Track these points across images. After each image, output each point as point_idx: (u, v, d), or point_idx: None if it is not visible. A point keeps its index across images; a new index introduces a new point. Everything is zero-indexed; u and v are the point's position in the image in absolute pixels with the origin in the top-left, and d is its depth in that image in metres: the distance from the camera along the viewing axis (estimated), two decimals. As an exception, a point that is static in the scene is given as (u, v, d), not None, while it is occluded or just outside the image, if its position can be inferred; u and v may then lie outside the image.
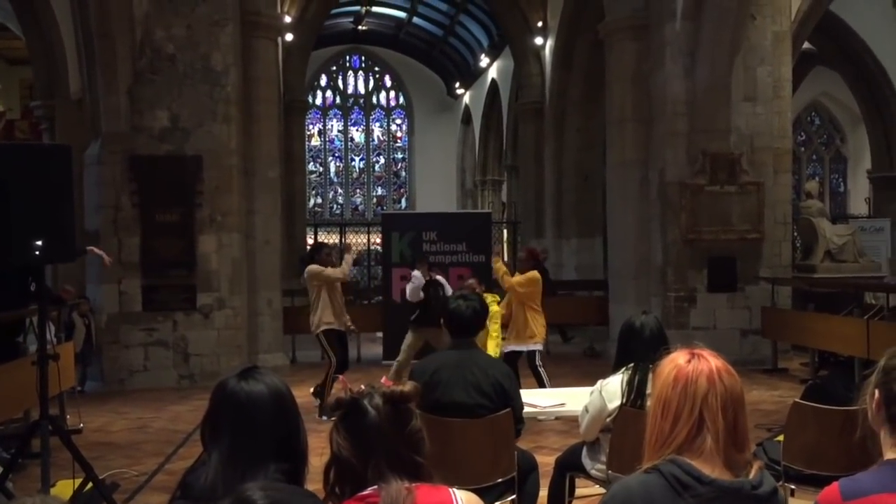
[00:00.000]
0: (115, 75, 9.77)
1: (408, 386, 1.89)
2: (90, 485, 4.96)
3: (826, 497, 1.83)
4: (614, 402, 3.78)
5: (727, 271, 10.81)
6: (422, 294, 8.90)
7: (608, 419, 3.82)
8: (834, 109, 23.11)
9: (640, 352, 3.77)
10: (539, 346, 8.03)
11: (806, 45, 14.46)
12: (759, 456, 4.64)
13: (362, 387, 1.89)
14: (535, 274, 8.05)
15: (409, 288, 9.17)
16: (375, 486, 1.77)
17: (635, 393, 3.74)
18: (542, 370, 7.91)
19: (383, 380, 1.85)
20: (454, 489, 1.86)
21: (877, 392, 1.87)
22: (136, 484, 5.89)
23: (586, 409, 3.92)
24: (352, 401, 1.84)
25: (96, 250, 6.73)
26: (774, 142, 11.05)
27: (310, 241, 17.08)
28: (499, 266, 8.25)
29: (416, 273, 9.17)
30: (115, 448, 7.03)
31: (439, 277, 9.19)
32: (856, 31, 16.60)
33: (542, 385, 7.68)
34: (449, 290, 8.71)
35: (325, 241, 16.27)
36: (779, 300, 10.78)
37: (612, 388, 3.82)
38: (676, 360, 1.87)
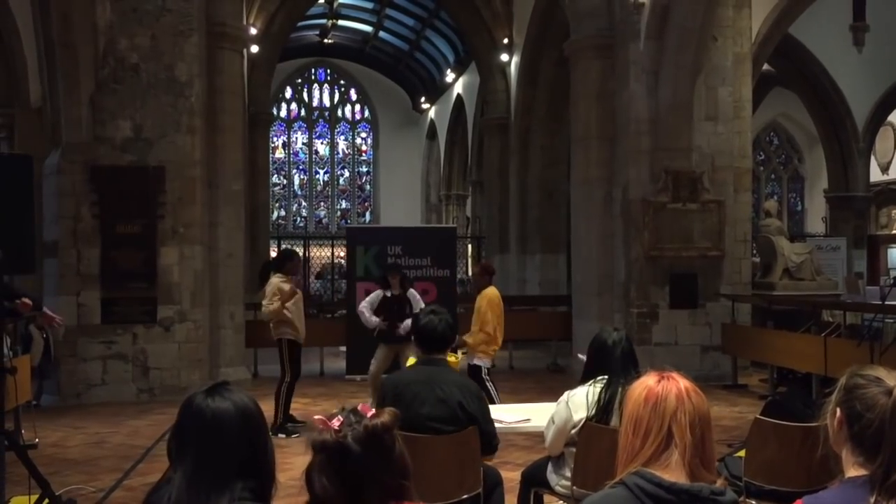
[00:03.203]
0: (76, 84, 9.64)
1: (386, 415, 1.87)
2: (46, 501, 4.86)
3: None
4: (580, 413, 3.81)
5: (688, 288, 10.94)
6: (374, 320, 8.41)
7: (573, 431, 3.83)
8: (792, 130, 23.58)
9: (611, 369, 3.81)
10: (484, 362, 7.92)
11: (765, 66, 14.76)
12: (720, 471, 4.69)
13: (340, 418, 1.84)
14: (491, 291, 7.94)
15: (367, 314, 8.48)
16: None
17: (603, 408, 3.75)
18: (489, 384, 7.85)
19: (360, 406, 1.84)
20: None
21: (838, 410, 1.90)
22: (94, 500, 5.78)
23: (552, 421, 3.94)
24: (336, 444, 1.80)
25: (49, 313, 6.48)
26: (735, 161, 11.23)
27: (273, 254, 16.93)
28: (466, 341, 7.73)
29: (366, 305, 8.55)
30: (72, 464, 6.89)
31: (412, 292, 8.70)
32: (814, 53, 17.00)
33: (490, 400, 7.62)
34: (419, 306, 8.19)
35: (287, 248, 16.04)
36: (739, 317, 10.93)
37: (579, 400, 3.84)
38: (647, 382, 1.94)
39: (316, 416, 1.91)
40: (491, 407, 4.67)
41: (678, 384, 1.91)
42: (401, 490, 1.83)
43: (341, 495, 1.77)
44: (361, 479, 1.78)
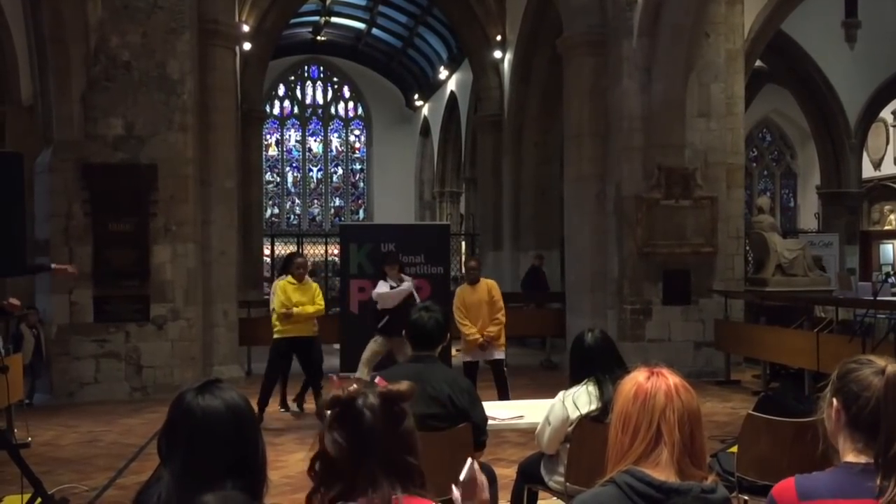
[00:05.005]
0: (68, 82, 9.60)
1: (404, 385, 1.88)
2: (39, 500, 4.85)
3: (781, 492, 1.89)
4: (577, 413, 3.81)
5: (681, 284, 10.96)
6: (405, 285, 8.45)
7: (570, 428, 3.84)
8: (784, 126, 23.61)
9: (594, 370, 3.83)
10: (503, 354, 8.07)
11: (758, 63, 14.77)
12: (713, 467, 4.70)
13: (354, 386, 1.86)
14: (492, 283, 8.16)
15: (393, 293, 8.38)
16: (364, 498, 1.76)
17: (605, 405, 3.74)
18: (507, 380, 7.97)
19: (378, 380, 1.87)
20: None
21: (835, 400, 1.91)
22: (87, 499, 5.76)
23: (548, 421, 3.93)
24: (348, 399, 1.82)
25: (60, 266, 6.55)
26: (727, 157, 11.25)
27: (266, 251, 16.94)
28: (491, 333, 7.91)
29: (407, 284, 8.56)
30: (65, 462, 6.87)
31: (414, 282, 8.72)
32: (806, 50, 17.03)
33: (505, 395, 7.71)
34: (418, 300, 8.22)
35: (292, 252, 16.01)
36: (731, 313, 10.96)
37: (575, 399, 3.85)
38: (637, 378, 1.93)
39: (333, 376, 1.91)
40: (489, 403, 4.67)
41: (667, 381, 1.89)
42: (408, 469, 1.82)
43: (347, 456, 1.78)
44: (368, 442, 1.79)
